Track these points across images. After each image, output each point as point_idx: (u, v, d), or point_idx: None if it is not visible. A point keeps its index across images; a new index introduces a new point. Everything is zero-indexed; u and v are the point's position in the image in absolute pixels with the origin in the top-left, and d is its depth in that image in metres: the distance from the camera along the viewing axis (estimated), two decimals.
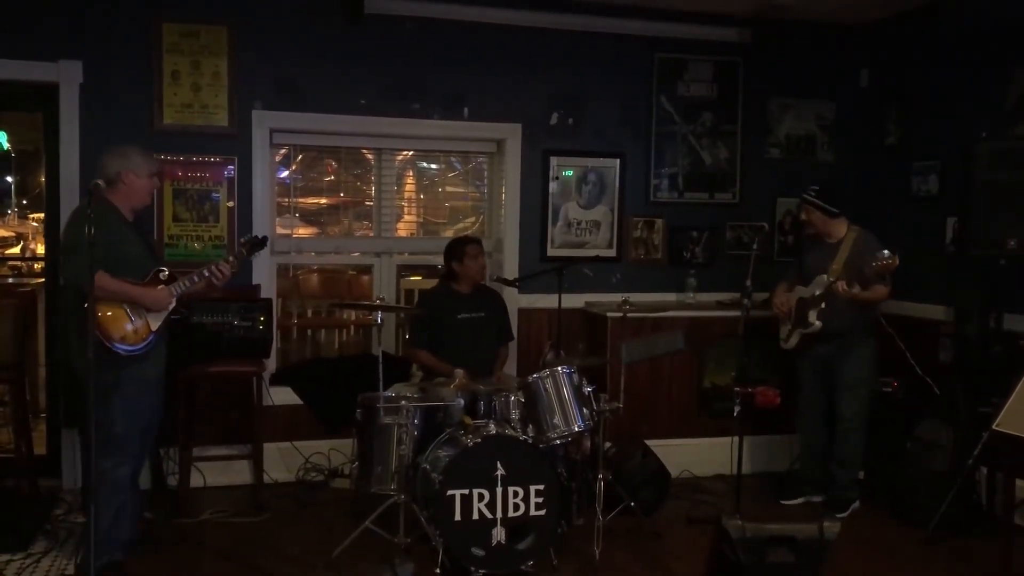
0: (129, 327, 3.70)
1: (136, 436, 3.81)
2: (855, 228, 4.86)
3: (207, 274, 3.91)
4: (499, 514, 3.86)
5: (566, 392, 4.18)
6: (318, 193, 5.71)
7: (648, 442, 5.01)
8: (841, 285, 4.55)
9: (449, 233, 5.78)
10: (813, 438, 5.07)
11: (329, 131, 5.38)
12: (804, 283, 4.91)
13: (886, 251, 4.37)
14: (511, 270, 5.57)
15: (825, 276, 4.73)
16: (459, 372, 4.45)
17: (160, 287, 3.79)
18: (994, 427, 4.06)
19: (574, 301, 5.48)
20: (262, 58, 5.12)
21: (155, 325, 3.78)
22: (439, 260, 5.28)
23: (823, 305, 4.73)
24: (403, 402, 4.27)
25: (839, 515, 4.67)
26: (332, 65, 5.24)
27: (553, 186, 5.66)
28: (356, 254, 5.77)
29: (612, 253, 5.77)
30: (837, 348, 4.82)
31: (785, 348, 5.05)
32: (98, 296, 3.36)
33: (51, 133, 4.95)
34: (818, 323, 4.77)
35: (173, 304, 3.84)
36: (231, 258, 4.03)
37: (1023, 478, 4.29)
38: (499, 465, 3.87)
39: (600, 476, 4.20)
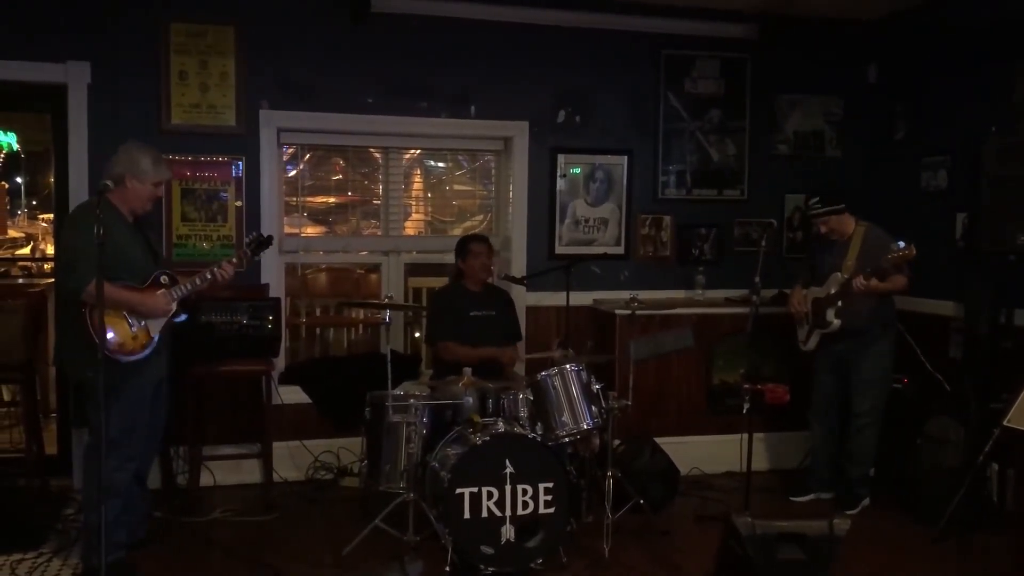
0: (129, 334, 3.69)
1: (135, 440, 3.81)
2: (862, 223, 4.84)
3: (209, 276, 3.90)
4: (508, 512, 3.86)
5: (575, 390, 4.18)
6: (326, 192, 5.71)
7: (657, 439, 4.99)
8: (858, 281, 4.52)
9: (457, 231, 5.79)
10: (826, 435, 5.05)
11: (336, 130, 5.39)
12: (818, 283, 4.89)
13: (901, 242, 4.33)
14: (519, 268, 5.57)
15: (839, 274, 4.71)
16: (467, 370, 4.46)
17: (159, 293, 3.77)
18: (1005, 423, 4.06)
19: (582, 299, 5.48)
20: (269, 57, 5.13)
21: (155, 331, 3.77)
22: (447, 259, 5.29)
23: (840, 303, 4.70)
24: (412, 400, 4.28)
25: (849, 512, 4.66)
26: (339, 64, 5.24)
27: (561, 184, 5.66)
28: (364, 253, 5.77)
29: (620, 250, 5.76)
30: (855, 345, 4.80)
31: (804, 350, 5.03)
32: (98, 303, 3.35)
33: (60, 134, 4.97)
34: (837, 321, 4.74)
35: (173, 309, 3.81)
36: (233, 259, 4.02)
37: None
38: (508, 463, 3.87)
39: (609, 473, 4.21)
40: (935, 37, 5.48)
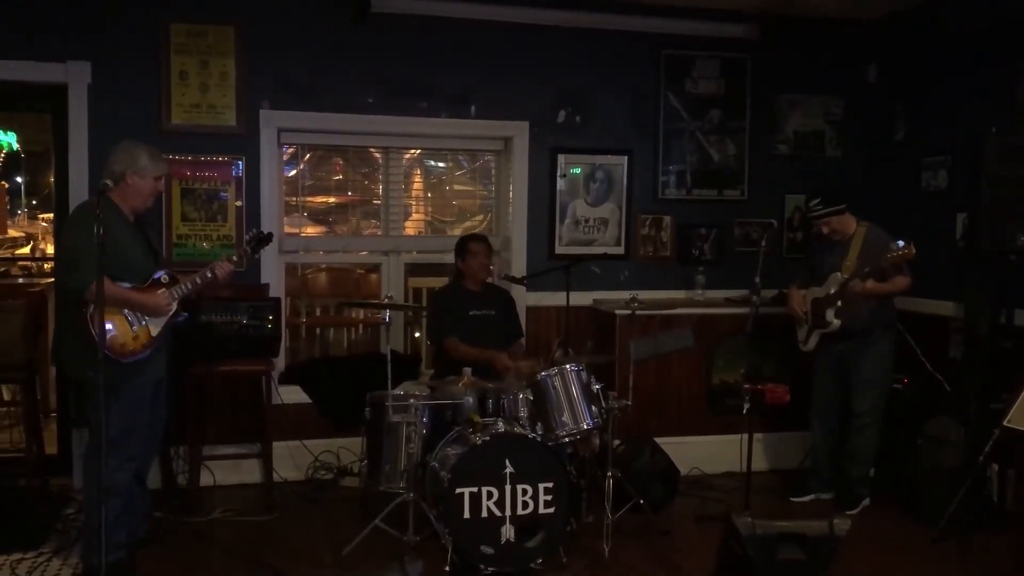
0: (130, 334, 3.68)
1: (135, 440, 3.80)
2: (863, 223, 4.85)
3: (209, 275, 3.89)
4: (508, 512, 3.86)
5: (575, 390, 4.19)
6: (326, 192, 5.71)
7: (657, 439, 4.99)
8: (855, 284, 4.53)
9: (457, 231, 5.79)
10: (826, 435, 5.05)
11: (337, 130, 5.39)
12: (817, 283, 4.89)
13: (900, 241, 4.34)
14: (519, 268, 5.56)
15: (839, 274, 4.71)
16: (467, 370, 4.46)
17: (160, 292, 3.76)
18: (1005, 423, 4.06)
19: (582, 299, 5.48)
20: (269, 57, 5.13)
21: (155, 331, 3.76)
22: (447, 259, 5.30)
23: (839, 303, 4.70)
24: (412, 400, 4.28)
25: (849, 512, 4.66)
26: (339, 64, 5.24)
27: (561, 184, 5.66)
28: (364, 253, 5.77)
29: (620, 250, 5.76)
30: (855, 345, 4.80)
31: (804, 350, 5.03)
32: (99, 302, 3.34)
33: (60, 134, 4.97)
34: (837, 321, 4.74)
35: (174, 308, 3.81)
36: (233, 257, 4.02)
37: None
38: (508, 463, 3.87)
39: (609, 474, 4.20)
40: (935, 37, 5.48)
